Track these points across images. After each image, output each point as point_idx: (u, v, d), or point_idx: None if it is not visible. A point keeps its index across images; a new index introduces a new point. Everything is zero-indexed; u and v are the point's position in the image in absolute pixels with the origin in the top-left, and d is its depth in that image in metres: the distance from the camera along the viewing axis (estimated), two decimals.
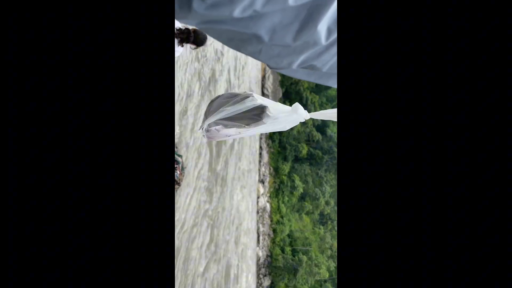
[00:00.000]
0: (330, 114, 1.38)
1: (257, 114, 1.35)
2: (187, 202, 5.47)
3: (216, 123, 1.39)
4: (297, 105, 1.38)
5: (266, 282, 17.86)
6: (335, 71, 1.13)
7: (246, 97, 1.33)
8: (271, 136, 22.95)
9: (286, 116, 1.38)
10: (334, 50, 1.01)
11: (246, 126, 1.38)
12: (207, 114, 1.42)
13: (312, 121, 25.18)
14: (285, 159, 23.39)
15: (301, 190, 23.28)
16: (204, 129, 1.46)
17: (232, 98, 1.38)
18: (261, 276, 17.28)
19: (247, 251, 11.21)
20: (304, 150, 24.38)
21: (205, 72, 6.55)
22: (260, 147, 19.11)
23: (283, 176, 22.43)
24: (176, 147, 4.90)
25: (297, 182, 22.94)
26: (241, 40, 0.85)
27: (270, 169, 21.70)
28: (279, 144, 23.61)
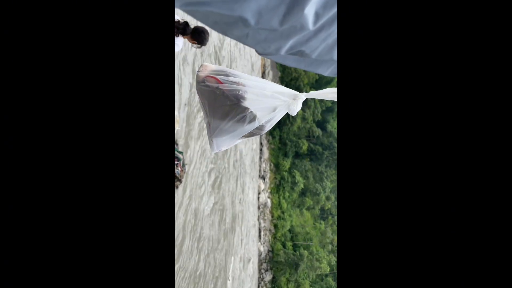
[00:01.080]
0: (327, 94, 1.41)
1: (257, 129, 1.44)
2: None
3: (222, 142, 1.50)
4: (298, 101, 1.43)
5: (268, 277, 17.95)
6: (325, 58, 1.13)
7: (244, 115, 1.35)
8: (271, 132, 22.91)
9: (283, 110, 1.43)
10: (323, 35, 1.01)
11: (247, 138, 1.53)
12: (208, 116, 1.46)
13: (312, 117, 25.10)
14: (285, 155, 23.39)
15: (302, 185, 23.29)
16: (217, 151, 1.56)
17: (229, 105, 1.37)
18: (262, 271, 17.36)
19: (249, 195, 12.27)
20: (305, 146, 24.36)
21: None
22: (261, 144, 19.10)
23: (284, 172, 22.44)
24: (177, 144, 4.89)
25: (298, 177, 22.95)
26: (226, 23, 0.85)
27: (270, 165, 21.71)
28: (279, 140, 23.60)
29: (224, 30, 0.88)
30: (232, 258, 8.33)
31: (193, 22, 1.85)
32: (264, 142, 20.80)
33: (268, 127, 1.48)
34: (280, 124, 23.34)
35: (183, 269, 5.09)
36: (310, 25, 0.93)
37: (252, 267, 12.48)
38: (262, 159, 19.37)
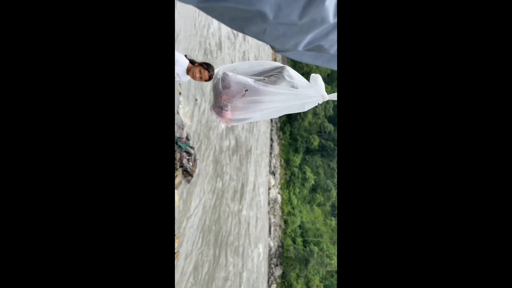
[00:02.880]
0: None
1: (277, 73, 1.33)
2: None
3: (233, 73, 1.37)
4: (316, 76, 1.35)
5: (278, 272, 18.06)
6: None
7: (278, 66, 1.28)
8: (282, 127, 22.83)
9: (306, 89, 1.35)
10: None
11: (262, 81, 1.36)
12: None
13: (324, 112, 24.87)
14: (296, 150, 23.31)
15: (313, 181, 23.22)
16: (220, 77, 1.40)
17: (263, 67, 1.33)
18: (272, 266, 17.46)
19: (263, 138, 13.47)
20: (316, 141, 24.21)
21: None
22: (271, 139, 19.07)
23: (294, 168, 22.40)
24: (189, 139, 4.91)
25: (309, 173, 22.88)
26: (244, 19, 0.81)
27: (281, 160, 21.69)
28: (290, 136, 23.51)
29: (241, 27, 0.84)
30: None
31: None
32: (275, 137, 20.75)
33: (288, 83, 1.35)
34: (291, 120, 23.22)
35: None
36: (331, 18, 0.89)
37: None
38: (273, 155, 19.35)
